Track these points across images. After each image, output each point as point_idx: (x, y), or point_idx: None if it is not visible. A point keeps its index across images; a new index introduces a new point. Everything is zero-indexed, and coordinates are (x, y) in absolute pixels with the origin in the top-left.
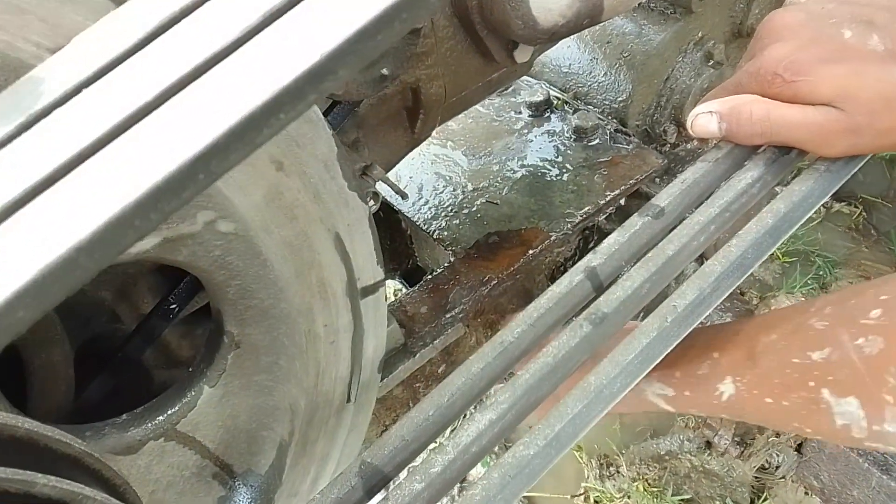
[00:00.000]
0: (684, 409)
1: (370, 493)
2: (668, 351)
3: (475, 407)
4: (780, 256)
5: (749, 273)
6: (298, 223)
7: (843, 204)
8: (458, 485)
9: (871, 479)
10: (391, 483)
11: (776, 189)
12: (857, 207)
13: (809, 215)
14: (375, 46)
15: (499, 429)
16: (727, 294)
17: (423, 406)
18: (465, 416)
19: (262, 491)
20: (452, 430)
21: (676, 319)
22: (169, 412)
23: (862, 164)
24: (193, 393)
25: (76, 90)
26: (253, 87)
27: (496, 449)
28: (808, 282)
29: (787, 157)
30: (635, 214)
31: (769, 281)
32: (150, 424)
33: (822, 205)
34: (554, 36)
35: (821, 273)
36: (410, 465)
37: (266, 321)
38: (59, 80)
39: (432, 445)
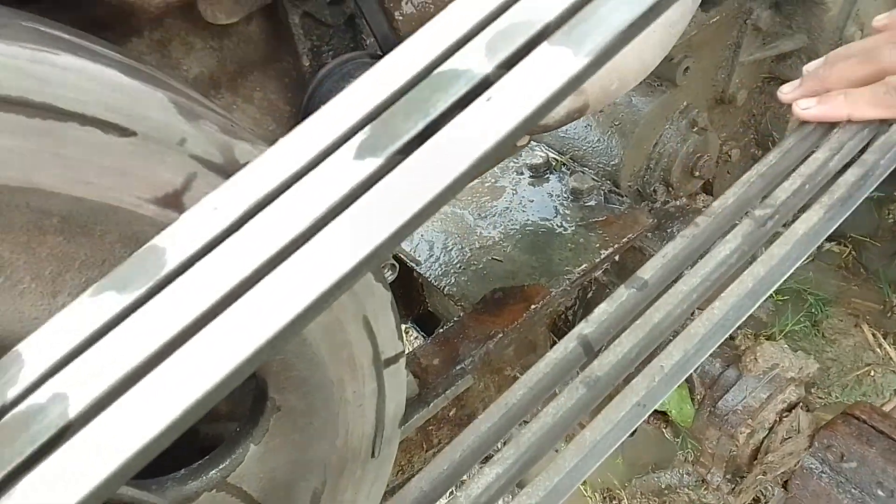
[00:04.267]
0: None
1: None
2: (658, 404)
3: (484, 461)
4: (774, 295)
5: (730, 332)
6: (333, 311)
7: (833, 243)
8: None
9: None
10: None
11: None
12: (847, 246)
13: (786, 277)
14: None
15: (505, 481)
16: (710, 352)
17: (437, 461)
18: (475, 470)
19: None
20: (463, 483)
21: (663, 379)
22: (221, 466)
23: (832, 229)
24: (241, 450)
25: (192, 260)
26: (330, 267)
27: (502, 499)
28: (801, 319)
29: (762, 229)
30: (622, 286)
31: (763, 318)
32: (205, 478)
33: None
34: (547, 129)
35: (812, 311)
36: None
37: (304, 389)
38: (177, 250)
39: (446, 497)
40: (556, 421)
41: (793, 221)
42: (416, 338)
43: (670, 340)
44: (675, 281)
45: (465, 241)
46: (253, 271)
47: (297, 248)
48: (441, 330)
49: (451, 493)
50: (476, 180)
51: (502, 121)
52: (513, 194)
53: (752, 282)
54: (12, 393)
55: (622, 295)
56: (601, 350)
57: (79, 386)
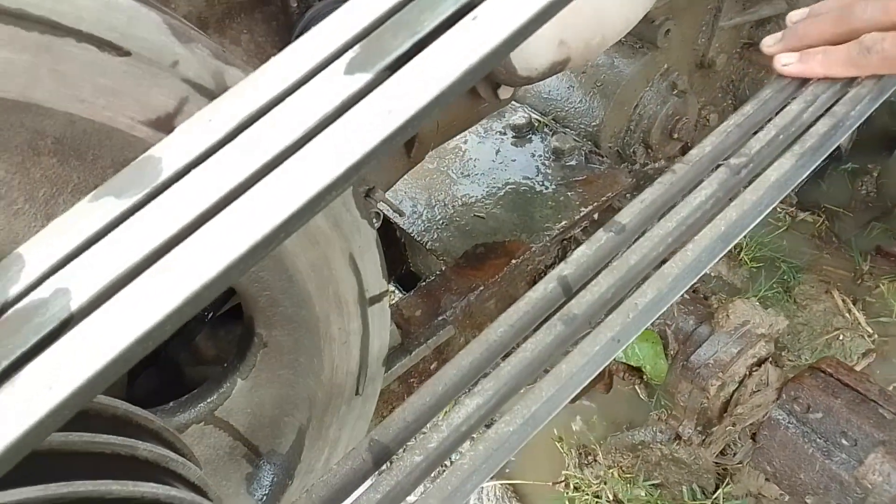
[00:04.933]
0: None
1: (377, 465)
2: (630, 342)
3: (465, 393)
4: (748, 262)
5: (702, 273)
6: (320, 247)
7: (807, 213)
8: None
9: (815, 464)
10: (395, 456)
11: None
12: (821, 216)
13: (757, 222)
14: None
15: (485, 411)
16: (683, 292)
17: (421, 393)
18: (456, 402)
19: (283, 468)
20: (446, 413)
21: (637, 315)
22: (209, 400)
23: (805, 175)
24: (228, 384)
25: (188, 169)
26: (319, 175)
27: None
28: (774, 285)
29: (737, 177)
30: (600, 230)
31: (737, 285)
32: (193, 411)
33: (788, 214)
34: (530, 81)
35: (785, 278)
36: (411, 442)
37: (290, 325)
38: (173, 160)
39: (429, 425)
40: (534, 356)
41: (765, 169)
42: (399, 297)
43: (645, 280)
44: (652, 225)
45: (448, 198)
46: (246, 178)
47: (289, 156)
48: (423, 283)
49: (434, 422)
50: (460, 139)
51: (487, 39)
52: (496, 154)
53: (725, 225)
54: (14, 290)
55: (601, 238)
56: (579, 290)
57: (80, 281)
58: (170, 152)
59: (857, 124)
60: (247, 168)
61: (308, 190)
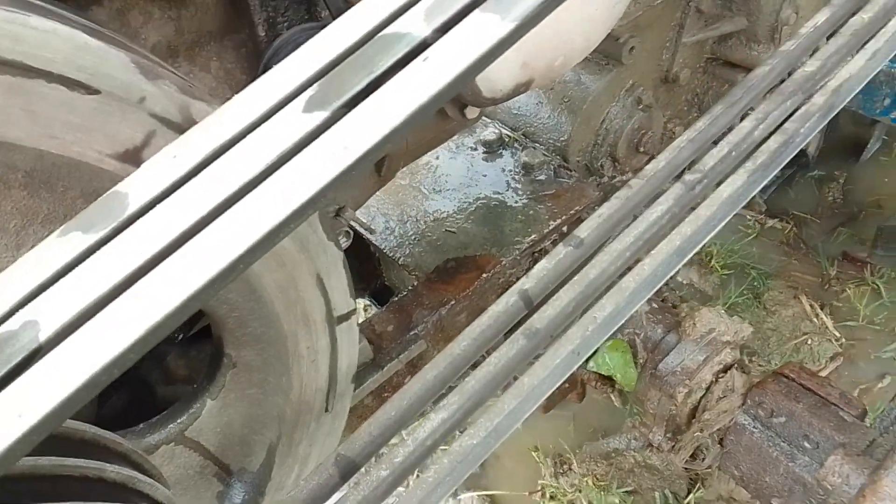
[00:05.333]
0: None
1: (344, 479)
2: (590, 355)
3: (430, 408)
4: (719, 269)
5: (659, 287)
6: (287, 268)
7: (776, 220)
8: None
9: (780, 467)
10: (361, 471)
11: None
12: (789, 223)
13: (711, 237)
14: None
15: (449, 425)
16: (640, 304)
17: (386, 408)
18: (421, 416)
19: (254, 486)
20: (412, 428)
21: (596, 329)
22: (179, 421)
23: (756, 191)
24: (198, 405)
25: (153, 203)
26: (278, 208)
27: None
28: (744, 292)
29: (692, 192)
30: (560, 244)
31: (708, 292)
32: (163, 431)
33: (758, 221)
34: (495, 101)
35: (755, 284)
36: (377, 456)
37: (259, 345)
38: (138, 195)
39: (395, 440)
40: (497, 370)
41: (718, 185)
42: (374, 312)
43: (603, 294)
44: (610, 240)
45: (420, 213)
46: (208, 212)
47: (249, 191)
48: (395, 298)
49: (400, 437)
50: (432, 156)
51: (437, 79)
52: (467, 169)
53: (680, 240)
54: None
55: (560, 252)
56: (540, 304)
57: (48, 314)
58: (136, 188)
59: (806, 141)
60: (209, 203)
61: (267, 222)
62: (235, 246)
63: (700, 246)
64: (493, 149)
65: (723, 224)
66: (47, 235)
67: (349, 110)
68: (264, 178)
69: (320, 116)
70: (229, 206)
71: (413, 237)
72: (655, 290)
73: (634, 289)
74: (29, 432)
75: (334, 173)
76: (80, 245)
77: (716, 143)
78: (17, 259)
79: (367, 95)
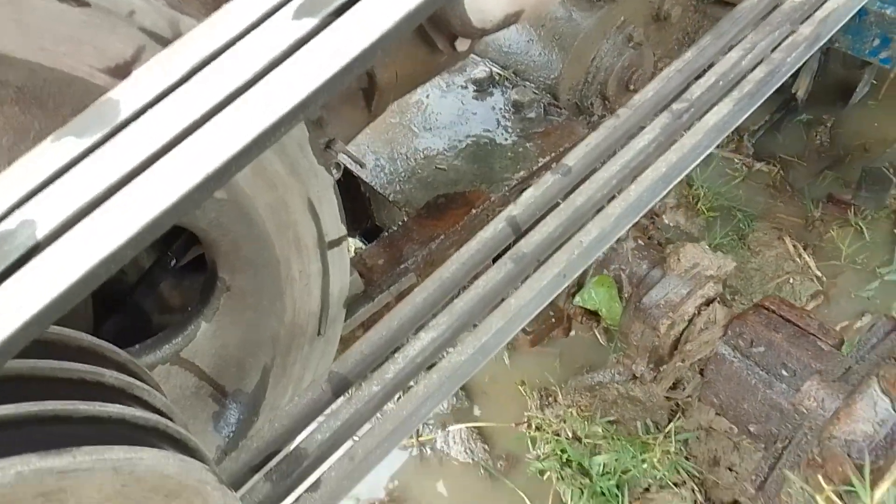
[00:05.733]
0: None
1: (336, 395)
2: (574, 277)
3: (421, 328)
4: (705, 211)
5: (644, 212)
6: (278, 191)
7: (763, 164)
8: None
9: (758, 394)
10: (353, 387)
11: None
12: (776, 166)
13: (696, 164)
14: (341, 83)
15: (438, 344)
16: (626, 230)
17: (378, 328)
18: (412, 336)
19: (249, 406)
20: (401, 347)
21: (581, 253)
22: (174, 342)
23: (741, 119)
24: (193, 327)
25: (144, 109)
26: (268, 112)
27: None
28: (729, 233)
29: (679, 121)
30: (548, 172)
31: (694, 233)
32: (159, 352)
33: (745, 164)
34: (485, 32)
35: (740, 226)
36: (368, 373)
37: (252, 269)
38: (130, 102)
39: (385, 358)
40: (485, 292)
41: (704, 114)
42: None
43: (589, 220)
44: (597, 169)
45: (410, 151)
46: (200, 115)
47: (239, 95)
48: (386, 233)
49: (391, 355)
50: (422, 93)
51: None
52: (458, 107)
53: (665, 167)
54: None
55: (548, 180)
56: (528, 230)
57: (44, 213)
58: (127, 95)
59: (793, 71)
60: (199, 108)
61: (256, 126)
62: (225, 149)
63: (686, 172)
64: (483, 87)
65: (708, 151)
66: None
67: (338, 17)
68: (253, 84)
69: (310, 24)
70: (219, 111)
71: (403, 174)
72: (640, 215)
73: (620, 214)
74: (28, 324)
75: (323, 79)
76: (74, 149)
77: (702, 73)
78: None
79: (355, 2)
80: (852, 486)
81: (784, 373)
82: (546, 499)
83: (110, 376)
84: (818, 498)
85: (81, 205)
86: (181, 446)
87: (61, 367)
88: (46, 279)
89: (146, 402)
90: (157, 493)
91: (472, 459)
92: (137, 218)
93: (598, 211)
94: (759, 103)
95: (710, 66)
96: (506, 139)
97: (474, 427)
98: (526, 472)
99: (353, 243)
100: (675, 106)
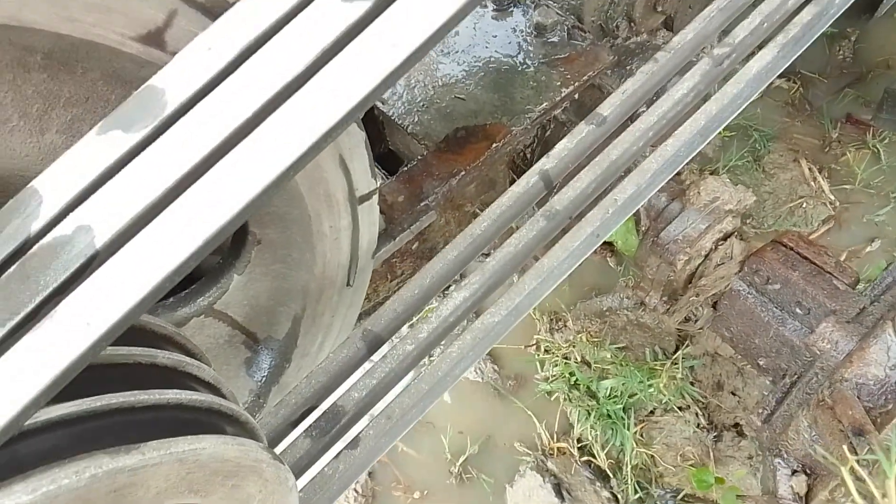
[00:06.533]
0: None
1: (371, 352)
2: (609, 234)
3: (453, 286)
4: (722, 131)
5: (680, 167)
6: None
7: (782, 80)
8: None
9: (770, 330)
10: (387, 346)
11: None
12: (796, 83)
13: (736, 115)
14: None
15: (471, 303)
16: (661, 185)
17: (410, 285)
18: (444, 294)
19: (280, 352)
20: (434, 307)
21: (617, 210)
22: (207, 294)
23: (784, 67)
24: (225, 279)
25: (192, 102)
26: (328, 110)
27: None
28: (744, 154)
29: (719, 67)
30: (581, 122)
31: (709, 154)
32: (193, 305)
33: None
34: None
35: (756, 146)
36: (402, 332)
37: (282, 223)
38: (175, 91)
39: (418, 316)
40: (518, 251)
41: (747, 59)
42: (379, 179)
43: (625, 175)
44: (633, 119)
45: (428, 78)
46: (254, 112)
47: (296, 90)
48: (405, 168)
49: (424, 314)
50: None
51: None
52: (476, 29)
53: (705, 119)
54: (36, 226)
55: (582, 131)
56: (560, 185)
57: (101, 218)
58: (171, 83)
59: (841, 12)
60: (252, 103)
61: (319, 126)
62: (288, 151)
63: (725, 124)
64: (503, 6)
65: (750, 101)
66: (70, 119)
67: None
68: (309, 77)
69: (363, 6)
70: (275, 108)
71: (421, 104)
72: (678, 170)
73: (656, 170)
74: (99, 340)
75: (386, 70)
76: (123, 145)
77: (746, 14)
78: (42, 146)
79: None
80: (864, 434)
81: (798, 311)
82: (553, 418)
83: (163, 357)
84: (843, 471)
85: (141, 210)
86: (234, 422)
87: (117, 353)
88: (114, 292)
89: (197, 378)
90: (217, 475)
91: (482, 379)
92: (202, 225)
93: (637, 163)
94: (803, 49)
95: (755, 4)
96: (528, 66)
97: None
98: (534, 392)
99: None
100: (716, 51)
